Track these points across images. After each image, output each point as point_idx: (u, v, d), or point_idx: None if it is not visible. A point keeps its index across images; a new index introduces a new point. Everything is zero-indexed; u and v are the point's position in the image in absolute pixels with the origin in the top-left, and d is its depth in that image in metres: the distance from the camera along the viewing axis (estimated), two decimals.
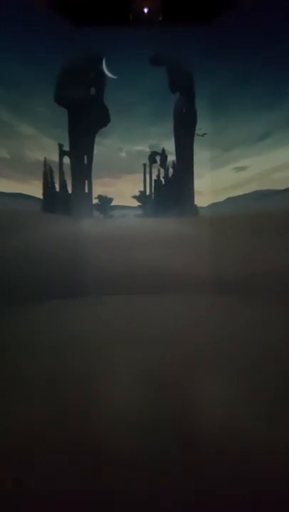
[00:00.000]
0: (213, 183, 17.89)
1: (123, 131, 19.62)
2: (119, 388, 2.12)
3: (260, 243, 7.89)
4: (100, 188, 18.87)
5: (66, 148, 17.87)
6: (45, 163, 17.49)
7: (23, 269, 5.65)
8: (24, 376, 2.31)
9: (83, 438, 1.63)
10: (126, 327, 3.41)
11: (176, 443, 1.58)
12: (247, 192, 18.88)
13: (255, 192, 18.64)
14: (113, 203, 20.73)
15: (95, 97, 17.76)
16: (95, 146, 18.11)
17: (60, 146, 18.03)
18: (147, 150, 18.99)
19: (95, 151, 18.08)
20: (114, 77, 16.96)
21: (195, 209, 17.55)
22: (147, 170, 19.14)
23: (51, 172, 17.70)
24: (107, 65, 16.82)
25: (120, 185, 21.82)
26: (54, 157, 17.90)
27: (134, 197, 19.49)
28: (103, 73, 17.91)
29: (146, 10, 3.66)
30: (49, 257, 6.74)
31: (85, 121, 17.39)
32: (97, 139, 18.26)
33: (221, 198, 18.58)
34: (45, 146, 17.89)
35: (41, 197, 17.62)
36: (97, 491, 1.31)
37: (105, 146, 19.35)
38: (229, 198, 18.81)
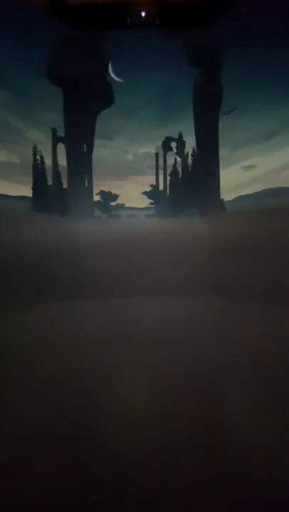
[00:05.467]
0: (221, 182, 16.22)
1: (129, 133, 20.02)
2: (119, 393, 2.05)
3: None
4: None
5: (61, 133, 14.57)
6: (35, 152, 14.15)
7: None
8: (22, 379, 2.23)
9: (83, 442, 1.58)
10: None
11: (178, 445, 1.55)
12: (256, 190, 18.98)
13: (265, 190, 18.48)
14: (120, 204, 17.31)
15: (96, 72, 14.52)
16: (101, 149, 15.46)
17: (54, 130, 14.74)
18: (154, 152, 16.91)
19: (101, 153, 15.34)
20: (121, 80, 16.13)
21: (222, 204, 13.84)
22: (160, 160, 15.67)
23: (43, 163, 14.35)
24: (113, 68, 15.70)
25: (127, 187, 19.75)
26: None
27: (145, 193, 15.97)
28: (107, 46, 14.84)
29: (143, 14, 3.55)
30: (29, 266, 6.03)
31: (84, 100, 14.12)
32: (102, 142, 15.73)
33: (231, 197, 18.80)
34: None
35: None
36: (97, 492, 1.28)
37: (112, 149, 18.33)
38: (239, 197, 18.66)
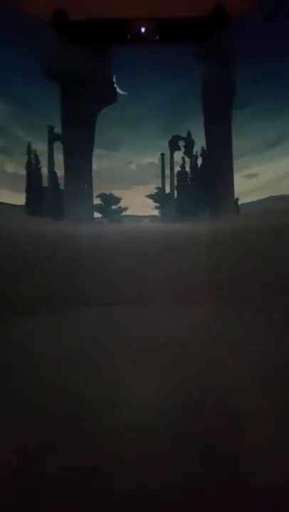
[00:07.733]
0: None
1: (132, 143, 19.44)
2: (121, 400, 2.03)
3: None
4: None
5: (58, 130, 13.34)
6: (29, 151, 12.85)
7: None
8: (20, 390, 2.21)
9: (84, 451, 1.56)
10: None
11: (183, 454, 1.52)
12: (260, 198, 18.55)
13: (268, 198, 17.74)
14: (122, 208, 15.92)
15: (98, 67, 13.46)
16: (104, 159, 14.51)
17: (50, 128, 13.52)
18: (157, 162, 16.02)
19: (105, 164, 14.24)
20: (125, 93, 15.66)
21: (236, 206, 12.42)
22: (167, 161, 14.40)
23: (37, 162, 13.02)
24: (117, 81, 15.20)
25: (130, 196, 18.90)
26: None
27: (149, 196, 14.58)
28: (110, 39, 13.92)
29: (143, 30, 3.78)
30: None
31: (84, 96, 12.98)
32: (106, 152, 14.75)
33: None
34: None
35: None
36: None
37: (115, 160, 19.05)
38: (242, 204, 17.25)
